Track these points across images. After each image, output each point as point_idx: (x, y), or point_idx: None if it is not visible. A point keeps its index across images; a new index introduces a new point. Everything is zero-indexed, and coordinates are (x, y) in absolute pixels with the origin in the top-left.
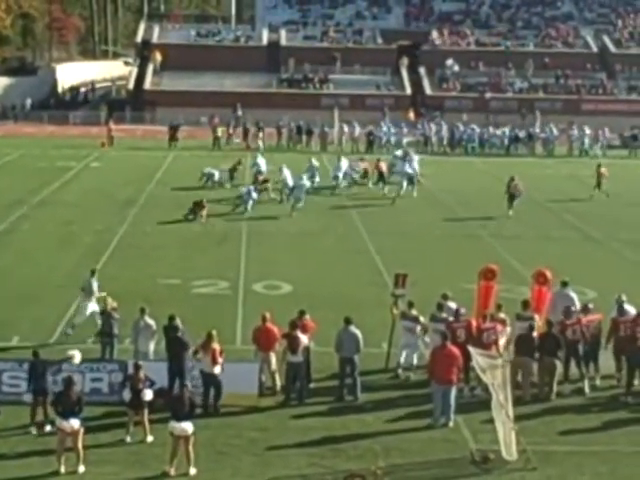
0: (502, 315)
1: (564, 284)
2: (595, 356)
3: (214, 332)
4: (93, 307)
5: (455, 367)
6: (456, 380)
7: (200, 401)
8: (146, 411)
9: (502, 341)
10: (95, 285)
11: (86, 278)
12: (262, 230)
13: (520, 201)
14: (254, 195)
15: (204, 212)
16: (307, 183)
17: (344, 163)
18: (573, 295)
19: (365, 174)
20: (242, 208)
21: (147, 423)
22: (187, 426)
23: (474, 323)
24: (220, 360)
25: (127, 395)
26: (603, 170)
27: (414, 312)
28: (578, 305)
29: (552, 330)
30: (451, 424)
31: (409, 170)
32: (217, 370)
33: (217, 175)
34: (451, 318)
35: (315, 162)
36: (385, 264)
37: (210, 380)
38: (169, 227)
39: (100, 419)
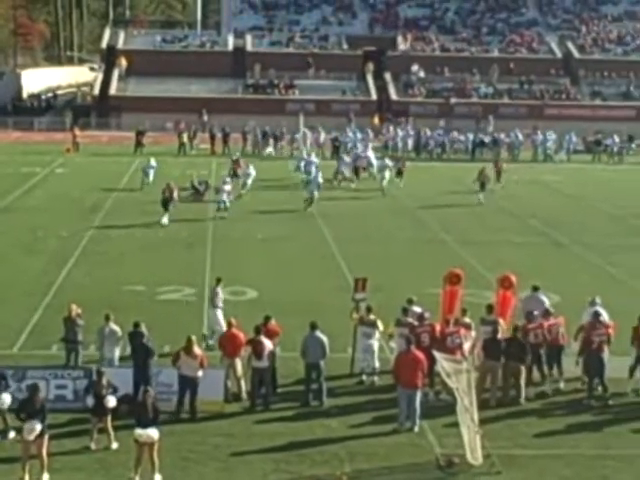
0: (467, 320)
1: (535, 288)
2: (558, 360)
3: (194, 337)
4: (220, 316)
5: (420, 371)
6: (421, 384)
7: (173, 407)
8: (109, 417)
9: (467, 345)
10: (221, 294)
11: (212, 287)
12: (228, 235)
13: (489, 188)
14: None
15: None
16: (320, 179)
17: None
18: (544, 299)
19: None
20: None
21: (111, 429)
22: (152, 432)
23: (437, 327)
24: (205, 364)
25: (90, 401)
26: (501, 164)
27: (372, 317)
28: (549, 309)
29: (518, 335)
30: (416, 429)
31: (388, 162)
32: (200, 374)
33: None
34: (416, 322)
35: (314, 158)
36: (351, 269)
37: (189, 384)
38: (135, 233)
39: (65, 426)
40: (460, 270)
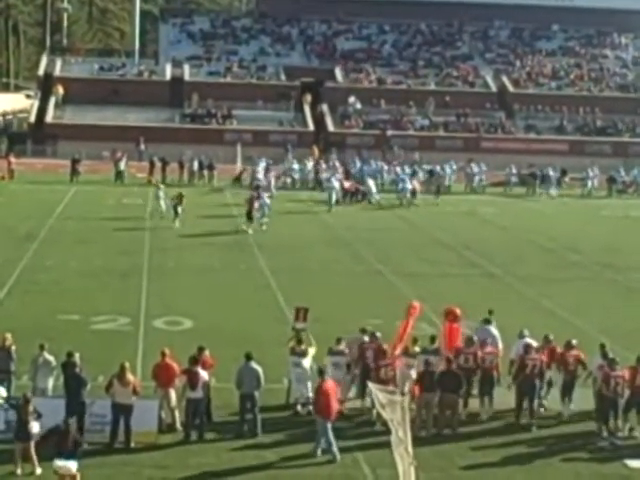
0: (417, 349)
1: (486, 321)
2: (490, 390)
3: (127, 364)
4: None
5: (333, 402)
6: (334, 415)
7: (107, 437)
8: (32, 443)
9: (414, 375)
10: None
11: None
12: (163, 265)
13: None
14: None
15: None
16: None
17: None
18: (495, 332)
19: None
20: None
21: (34, 455)
22: (71, 465)
23: (385, 346)
24: (139, 390)
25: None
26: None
27: (303, 347)
28: (499, 342)
29: (452, 367)
30: (338, 457)
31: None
32: (134, 400)
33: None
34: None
35: None
36: (287, 300)
37: (123, 411)
38: (70, 262)
39: None
40: (457, 308)
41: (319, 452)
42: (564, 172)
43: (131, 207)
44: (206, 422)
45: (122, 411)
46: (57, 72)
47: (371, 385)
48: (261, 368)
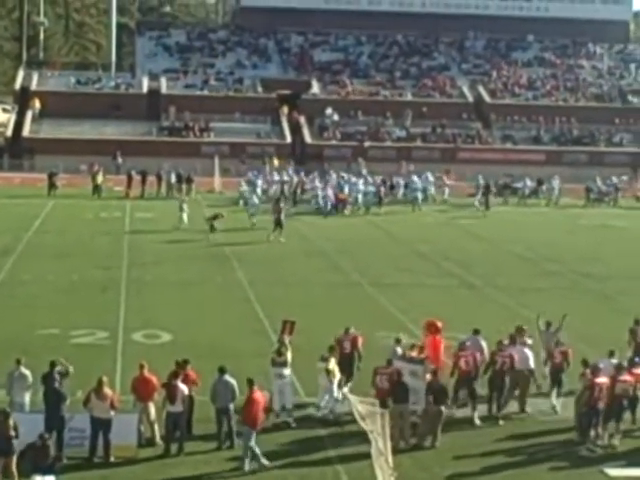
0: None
1: (476, 332)
2: (472, 391)
3: (105, 378)
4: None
5: (260, 412)
6: (258, 425)
7: (86, 452)
8: (14, 457)
9: None
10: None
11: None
12: (142, 279)
13: None
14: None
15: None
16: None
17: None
18: (483, 343)
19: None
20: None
21: (15, 470)
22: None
23: (360, 339)
24: (116, 405)
25: None
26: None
27: (282, 358)
28: (486, 353)
29: (438, 379)
30: (246, 467)
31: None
32: (112, 414)
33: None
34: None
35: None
36: (265, 313)
37: (102, 425)
38: (47, 276)
39: None
40: (438, 320)
41: (247, 465)
42: (540, 182)
43: (109, 221)
44: (186, 436)
45: (100, 425)
46: (34, 86)
47: (350, 397)
48: (235, 381)
